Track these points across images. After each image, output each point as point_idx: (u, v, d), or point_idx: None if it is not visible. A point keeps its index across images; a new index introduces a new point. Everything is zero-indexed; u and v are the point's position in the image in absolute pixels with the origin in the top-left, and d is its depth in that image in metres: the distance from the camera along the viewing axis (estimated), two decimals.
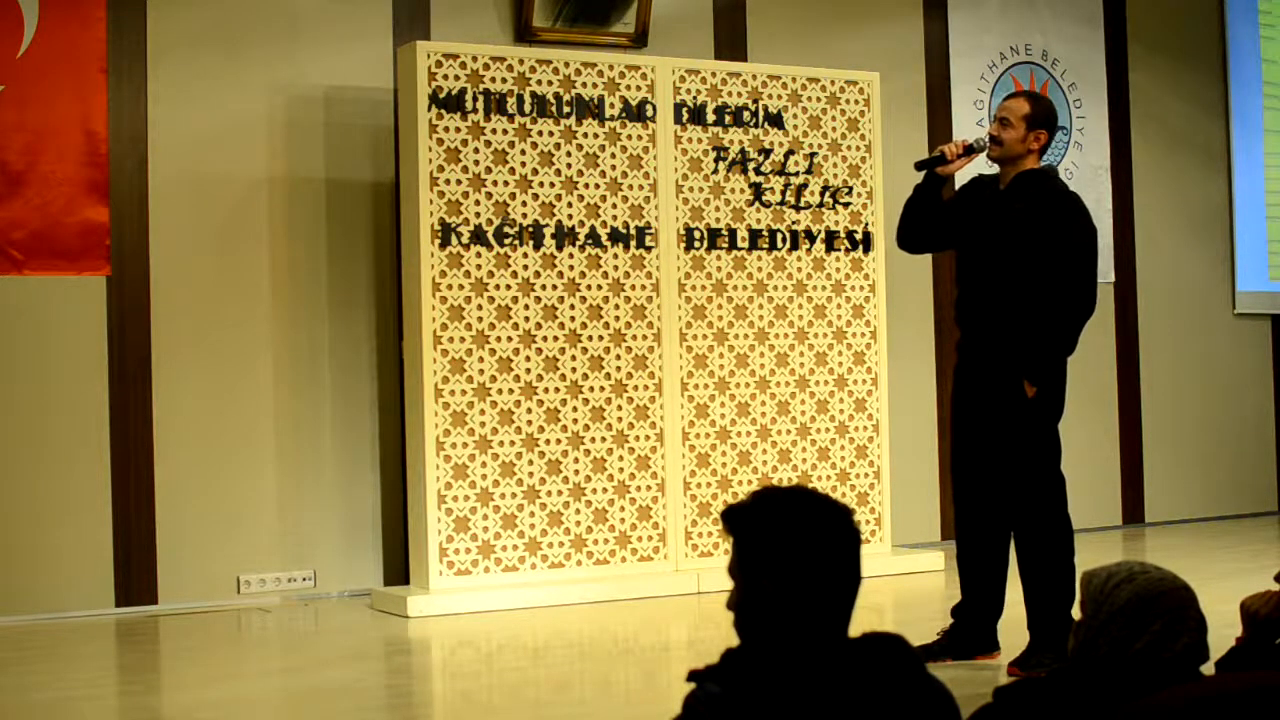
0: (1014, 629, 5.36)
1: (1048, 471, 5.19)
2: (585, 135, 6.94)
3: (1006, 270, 5.17)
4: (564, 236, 6.87)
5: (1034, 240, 5.12)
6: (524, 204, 6.80)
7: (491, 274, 6.72)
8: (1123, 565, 2.50)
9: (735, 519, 2.27)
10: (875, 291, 7.54)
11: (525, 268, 6.79)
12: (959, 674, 4.89)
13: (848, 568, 2.24)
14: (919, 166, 5.42)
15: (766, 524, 2.24)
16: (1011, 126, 5.20)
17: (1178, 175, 9.41)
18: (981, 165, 5.67)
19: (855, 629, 2.27)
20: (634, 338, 6.99)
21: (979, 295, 5.26)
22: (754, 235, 7.26)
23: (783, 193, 7.35)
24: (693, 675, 2.20)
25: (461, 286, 6.66)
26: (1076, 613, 2.61)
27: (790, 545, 2.21)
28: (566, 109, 6.90)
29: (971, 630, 5.31)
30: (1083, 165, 8.98)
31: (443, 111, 6.66)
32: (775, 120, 7.36)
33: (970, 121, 8.61)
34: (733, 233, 7.22)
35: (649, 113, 7.07)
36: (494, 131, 6.75)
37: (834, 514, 2.25)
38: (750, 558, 2.24)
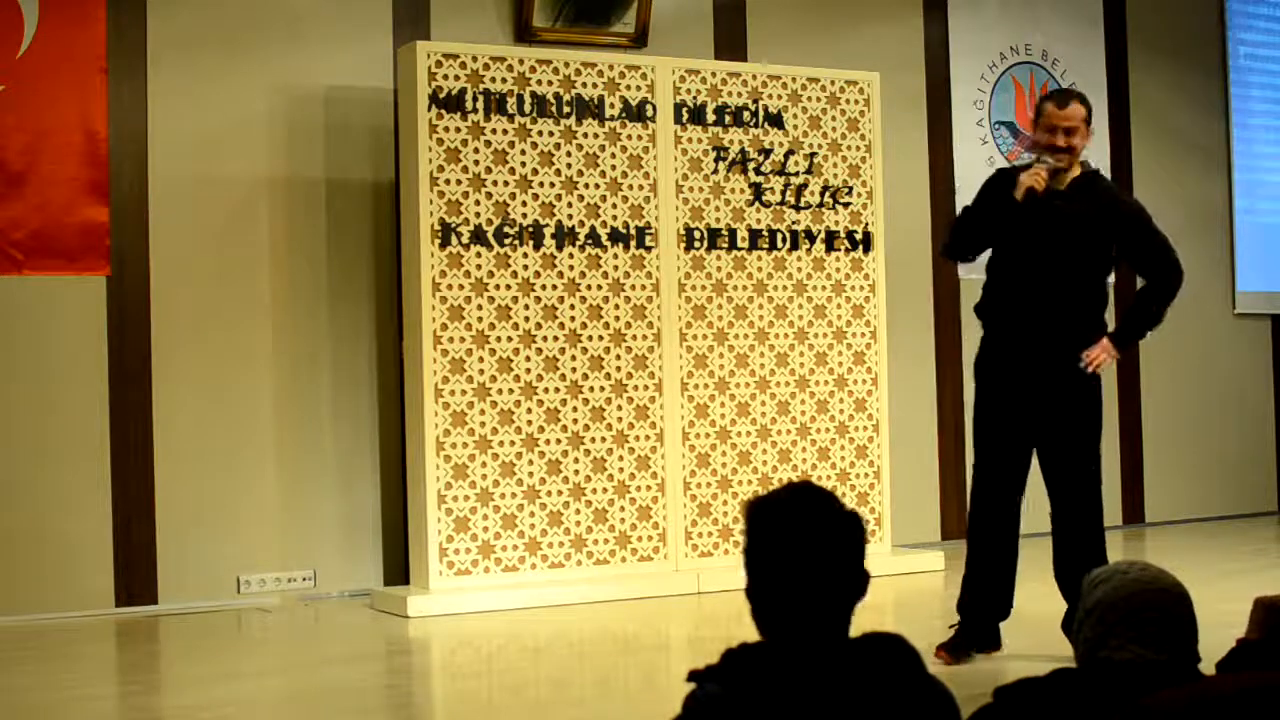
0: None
1: (1097, 466, 5.31)
2: (585, 135, 6.94)
3: (1071, 270, 5.22)
4: (564, 236, 6.87)
5: (1104, 242, 5.26)
6: (524, 204, 6.80)
7: (491, 274, 6.72)
8: (1117, 566, 2.49)
9: (748, 512, 2.27)
10: (875, 291, 7.54)
11: (525, 268, 6.79)
12: (959, 674, 4.89)
13: (851, 569, 2.24)
14: (1016, 201, 5.17)
15: (771, 520, 2.24)
16: (1078, 133, 5.22)
17: (1178, 175, 9.41)
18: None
19: (855, 629, 2.27)
20: (634, 338, 6.99)
21: (1037, 293, 5.24)
22: (754, 235, 7.26)
23: (783, 193, 7.35)
24: (693, 675, 2.20)
25: (461, 286, 6.66)
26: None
27: (794, 544, 2.21)
28: (566, 109, 6.90)
29: (979, 627, 5.33)
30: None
31: (443, 111, 6.66)
32: (775, 120, 7.36)
33: (970, 121, 8.61)
34: (733, 233, 7.22)
35: (649, 113, 7.07)
36: (494, 131, 6.75)
37: (839, 515, 2.25)
38: (755, 552, 2.25)
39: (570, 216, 6.89)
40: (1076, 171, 5.29)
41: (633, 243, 7.01)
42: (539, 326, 6.80)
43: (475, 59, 6.75)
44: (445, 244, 6.63)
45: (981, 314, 5.45)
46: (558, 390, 6.83)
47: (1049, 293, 5.23)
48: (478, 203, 6.71)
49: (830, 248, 7.45)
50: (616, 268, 6.97)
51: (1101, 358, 5.23)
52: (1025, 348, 5.28)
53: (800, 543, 2.22)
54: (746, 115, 7.29)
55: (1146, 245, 5.32)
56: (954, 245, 5.52)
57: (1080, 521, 5.26)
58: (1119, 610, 2.42)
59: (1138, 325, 5.41)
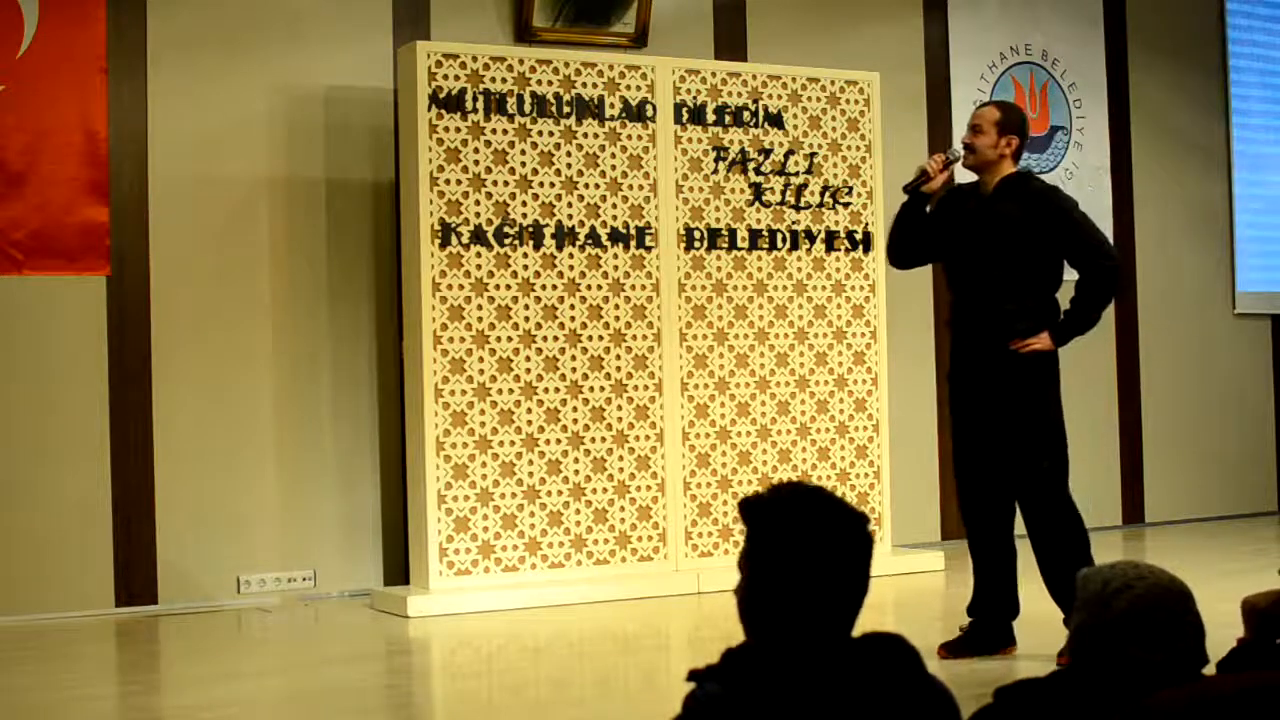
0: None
1: (1057, 474, 5.28)
2: (585, 135, 6.94)
3: (1002, 271, 5.30)
4: (564, 236, 6.87)
5: (1030, 239, 5.27)
6: (524, 204, 6.80)
7: (491, 274, 6.72)
8: (1118, 568, 2.48)
9: (752, 510, 2.26)
10: (875, 291, 7.54)
11: (525, 268, 6.79)
12: (959, 674, 4.89)
13: (856, 574, 2.24)
14: (907, 189, 5.51)
15: (781, 520, 2.23)
16: (983, 133, 5.38)
17: (1178, 175, 9.41)
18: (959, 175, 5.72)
19: (855, 629, 2.27)
20: (634, 338, 6.99)
21: (974, 297, 5.34)
22: (754, 235, 7.26)
23: (783, 193, 7.35)
24: (693, 675, 2.19)
25: (461, 286, 6.66)
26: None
27: (801, 545, 2.21)
28: (566, 109, 6.90)
29: (990, 626, 5.34)
30: (1083, 165, 8.98)
31: (443, 111, 6.66)
32: (775, 120, 7.36)
33: None
34: (733, 233, 7.22)
35: (649, 113, 7.07)
36: (494, 131, 6.75)
37: (849, 519, 2.25)
38: (761, 551, 2.24)
39: (570, 216, 6.89)
40: (1007, 171, 5.34)
41: (633, 243, 7.01)
42: (539, 326, 6.80)
43: (475, 59, 6.75)
44: (445, 244, 6.63)
45: (949, 327, 5.56)
46: (558, 390, 6.83)
47: (985, 295, 5.31)
48: (478, 203, 6.71)
49: (830, 248, 7.45)
50: (616, 268, 6.97)
51: (1032, 344, 5.25)
52: (977, 355, 5.34)
53: (821, 544, 2.21)
54: (746, 115, 7.29)
55: (1073, 240, 5.29)
56: (888, 247, 5.68)
57: (1045, 524, 5.25)
58: (1159, 613, 2.40)
59: (1074, 322, 5.32)
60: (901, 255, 5.61)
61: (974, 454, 5.36)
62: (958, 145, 5.53)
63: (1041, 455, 5.26)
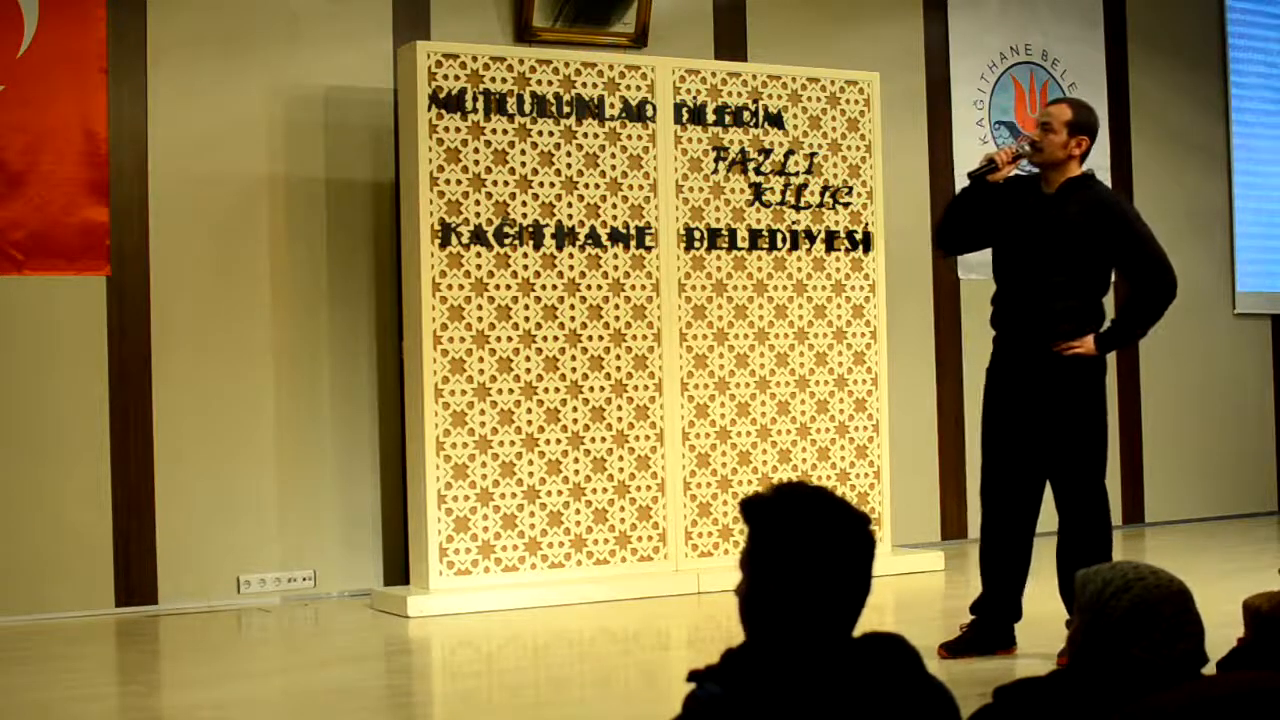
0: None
1: (1098, 474, 5.30)
2: (585, 135, 6.94)
3: (1054, 271, 5.26)
4: (564, 236, 6.87)
5: (1088, 245, 5.24)
6: (524, 204, 6.80)
7: (491, 274, 6.72)
8: (1117, 569, 2.48)
9: (754, 511, 2.26)
10: (875, 291, 7.54)
11: (525, 268, 6.79)
12: (959, 674, 4.89)
13: (858, 574, 2.24)
14: (973, 175, 5.42)
15: (783, 520, 2.23)
16: (1054, 132, 5.29)
17: (1178, 175, 9.41)
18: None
19: (856, 629, 2.27)
20: (634, 338, 6.99)
21: (1023, 294, 5.31)
22: (754, 235, 7.26)
23: (783, 193, 7.35)
24: (693, 675, 2.20)
25: (461, 286, 6.66)
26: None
27: (803, 545, 2.21)
28: (566, 109, 6.90)
29: (993, 627, 5.34)
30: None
31: (443, 111, 6.66)
32: (775, 120, 7.36)
33: (970, 122, 8.61)
34: (733, 233, 7.22)
35: (649, 113, 7.07)
36: (494, 131, 6.75)
37: (851, 519, 2.25)
38: (763, 551, 2.24)
39: (570, 216, 6.89)
40: (1072, 173, 5.32)
41: (633, 243, 7.01)
42: (539, 326, 6.80)
43: (475, 59, 6.75)
44: (445, 244, 6.63)
45: (992, 324, 5.51)
46: (558, 390, 6.83)
47: (1034, 293, 5.28)
48: (478, 203, 6.71)
49: (830, 248, 7.45)
50: (616, 268, 6.97)
51: (1075, 347, 5.24)
52: (1022, 353, 5.31)
53: (823, 544, 2.21)
54: (746, 115, 7.29)
55: (1134, 252, 5.29)
56: (940, 229, 5.60)
57: (1082, 535, 5.24)
58: (1160, 614, 2.40)
59: (1120, 333, 5.36)
60: (951, 240, 5.57)
61: (1008, 450, 5.33)
62: (1025, 141, 5.48)
63: (1086, 451, 5.25)
